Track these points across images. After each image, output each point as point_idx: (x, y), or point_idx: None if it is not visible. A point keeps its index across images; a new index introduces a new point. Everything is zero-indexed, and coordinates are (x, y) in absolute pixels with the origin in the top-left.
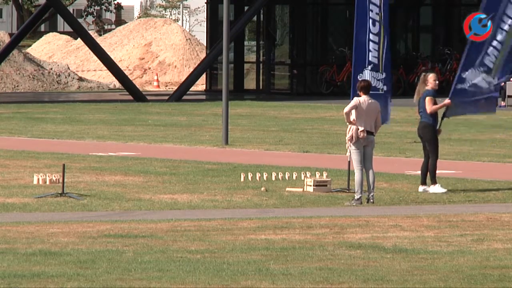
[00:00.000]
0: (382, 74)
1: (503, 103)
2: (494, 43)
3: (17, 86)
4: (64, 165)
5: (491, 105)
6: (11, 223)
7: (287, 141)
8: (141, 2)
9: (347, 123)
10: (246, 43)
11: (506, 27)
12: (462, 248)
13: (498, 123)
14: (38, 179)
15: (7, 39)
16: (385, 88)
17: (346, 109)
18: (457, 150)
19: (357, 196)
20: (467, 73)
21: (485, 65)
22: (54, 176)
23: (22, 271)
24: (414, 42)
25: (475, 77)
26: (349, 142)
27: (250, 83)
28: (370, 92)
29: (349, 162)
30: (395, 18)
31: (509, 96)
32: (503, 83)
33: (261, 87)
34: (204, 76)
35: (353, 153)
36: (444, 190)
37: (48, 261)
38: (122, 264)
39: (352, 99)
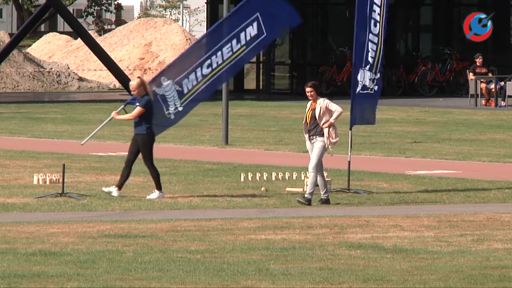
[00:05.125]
0: (376, 75)
1: (503, 103)
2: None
3: (17, 86)
4: (64, 165)
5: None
6: (11, 223)
7: (287, 141)
8: (141, 2)
9: (331, 125)
10: None
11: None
12: (462, 248)
13: (498, 123)
14: (38, 179)
15: (7, 39)
16: (375, 88)
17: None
18: (457, 150)
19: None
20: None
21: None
22: (54, 176)
23: (22, 271)
24: (414, 42)
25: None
26: (334, 145)
27: (250, 83)
28: (362, 91)
29: (349, 162)
30: (395, 18)
31: (509, 96)
32: (502, 83)
33: (261, 87)
34: None
35: (323, 155)
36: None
37: (48, 261)
38: (122, 264)
39: (351, 99)
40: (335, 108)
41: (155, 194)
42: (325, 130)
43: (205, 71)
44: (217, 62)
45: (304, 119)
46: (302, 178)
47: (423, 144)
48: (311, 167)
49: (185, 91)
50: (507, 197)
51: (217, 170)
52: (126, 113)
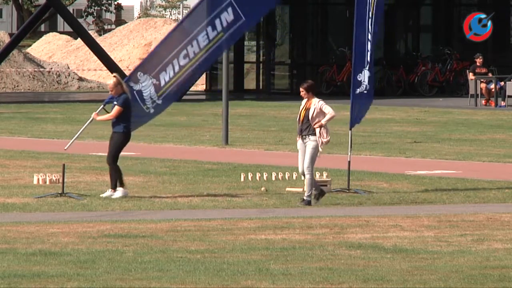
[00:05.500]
0: (370, 73)
1: (503, 103)
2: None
3: (17, 86)
4: (64, 165)
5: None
6: (11, 223)
7: (287, 141)
8: (141, 2)
9: (322, 126)
10: (246, 43)
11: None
12: (462, 248)
13: (498, 123)
14: (38, 179)
15: (7, 39)
16: (368, 86)
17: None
18: (457, 150)
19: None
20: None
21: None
22: (54, 176)
23: (22, 271)
24: (414, 42)
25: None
26: (325, 144)
27: (250, 83)
28: (362, 91)
29: (349, 162)
30: (395, 18)
31: (509, 96)
32: (502, 83)
33: (261, 87)
34: (204, 76)
35: (316, 156)
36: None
37: (48, 261)
38: (122, 264)
39: (351, 99)
40: (328, 110)
41: (119, 191)
42: (317, 130)
43: (182, 61)
44: (194, 52)
45: (298, 116)
46: (302, 178)
47: (423, 144)
48: (305, 168)
49: (162, 83)
50: (507, 197)
51: (217, 170)
52: (107, 112)
